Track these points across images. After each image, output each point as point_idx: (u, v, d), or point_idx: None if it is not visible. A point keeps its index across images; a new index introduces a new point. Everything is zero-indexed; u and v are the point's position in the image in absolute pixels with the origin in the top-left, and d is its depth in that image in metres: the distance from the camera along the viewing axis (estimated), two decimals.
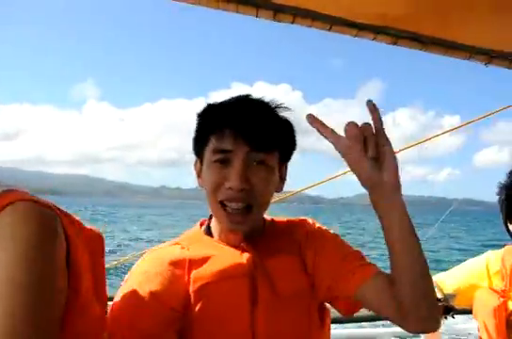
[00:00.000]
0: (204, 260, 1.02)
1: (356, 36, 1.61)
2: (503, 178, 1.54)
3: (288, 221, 1.18)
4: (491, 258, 1.60)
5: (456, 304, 1.57)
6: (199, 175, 1.09)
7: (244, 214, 1.00)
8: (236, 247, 1.06)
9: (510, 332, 1.45)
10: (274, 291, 1.03)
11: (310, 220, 1.18)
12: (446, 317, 1.54)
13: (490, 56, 1.66)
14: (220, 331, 0.98)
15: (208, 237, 1.11)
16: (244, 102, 1.04)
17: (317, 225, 1.17)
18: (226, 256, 1.04)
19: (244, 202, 0.99)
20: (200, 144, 1.05)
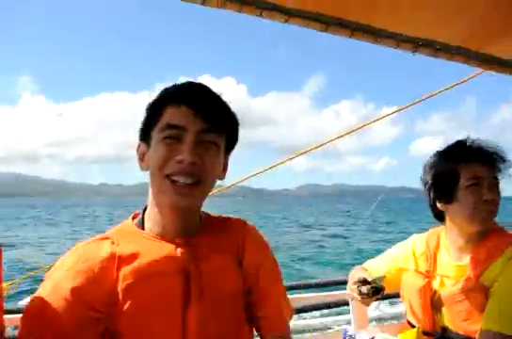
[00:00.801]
0: (135, 256, 0.97)
1: (286, 22, 1.58)
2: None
3: (225, 219, 1.17)
4: (417, 241, 1.65)
5: (387, 288, 1.61)
6: (142, 159, 1.06)
7: (192, 188, 0.99)
8: (171, 242, 1.02)
9: (435, 312, 1.50)
10: (208, 289, 1.00)
11: (249, 225, 1.17)
12: (378, 298, 1.57)
13: (417, 44, 1.70)
14: (150, 331, 0.94)
15: (141, 231, 1.05)
16: (199, 84, 1.06)
17: (257, 233, 1.17)
18: (159, 252, 0.99)
19: (193, 177, 0.98)
20: (149, 124, 1.04)
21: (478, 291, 1.38)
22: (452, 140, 1.55)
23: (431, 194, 1.52)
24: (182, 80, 1.09)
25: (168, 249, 1.01)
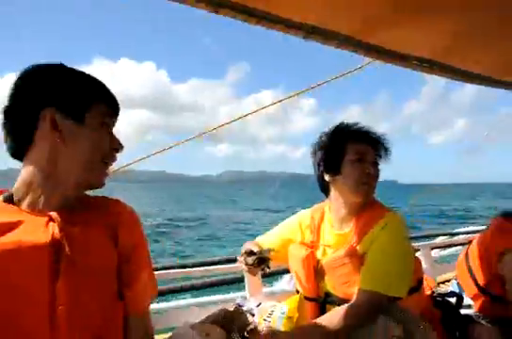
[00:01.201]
0: (3, 229, 0.96)
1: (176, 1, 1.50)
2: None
3: (103, 198, 1.18)
4: (303, 215, 1.77)
5: (275, 260, 1.73)
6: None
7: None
8: (42, 214, 1.01)
9: (318, 279, 1.61)
10: (79, 263, 0.99)
11: (126, 205, 1.18)
12: (263, 269, 1.66)
13: (308, 31, 1.71)
14: (17, 304, 0.94)
15: (10, 205, 1.02)
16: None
17: (134, 214, 1.17)
18: (29, 225, 0.98)
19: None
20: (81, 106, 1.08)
21: (356, 257, 1.50)
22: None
23: (320, 168, 1.63)
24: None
25: (39, 222, 1.00)
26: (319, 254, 1.64)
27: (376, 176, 1.59)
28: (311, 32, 1.71)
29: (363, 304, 1.38)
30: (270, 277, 2.59)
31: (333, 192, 1.63)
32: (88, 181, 1.10)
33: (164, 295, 2.07)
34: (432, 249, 3.07)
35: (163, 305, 2.08)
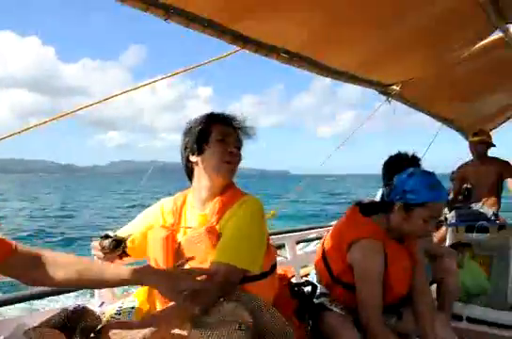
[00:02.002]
0: None
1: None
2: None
3: None
4: (165, 202, 1.75)
5: (135, 254, 1.68)
6: None
7: None
8: None
9: (178, 260, 1.55)
10: None
11: None
12: (120, 255, 1.61)
13: (169, 10, 1.63)
14: None
15: None
16: None
17: None
18: None
19: None
20: None
21: (214, 235, 1.51)
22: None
23: (187, 150, 1.66)
24: None
25: None
26: (180, 237, 1.60)
27: (238, 158, 1.64)
28: (172, 12, 1.63)
29: (217, 275, 1.38)
30: None
31: (197, 174, 1.66)
32: None
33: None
34: (298, 242, 3.22)
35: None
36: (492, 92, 3.92)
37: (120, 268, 1.31)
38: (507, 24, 2.71)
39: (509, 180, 3.99)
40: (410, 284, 1.95)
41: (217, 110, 1.68)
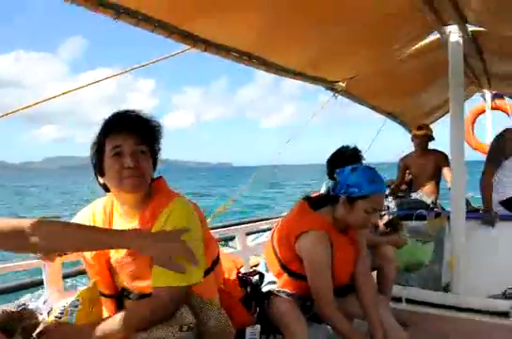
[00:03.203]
0: None
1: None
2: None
3: None
4: (96, 205, 1.63)
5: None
6: None
7: None
8: None
9: (113, 274, 1.53)
10: None
11: None
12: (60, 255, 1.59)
13: (119, 11, 1.64)
14: None
15: None
16: None
17: None
18: None
19: None
20: None
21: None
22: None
23: (95, 169, 1.49)
24: None
25: None
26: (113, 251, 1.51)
27: (142, 167, 1.43)
28: (121, 12, 1.65)
29: (164, 299, 1.32)
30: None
31: (112, 190, 1.50)
32: None
33: None
34: (248, 234, 3.30)
35: None
36: (431, 89, 4.17)
37: (98, 231, 1.29)
38: (444, 26, 2.92)
39: (445, 170, 4.27)
40: (354, 272, 2.10)
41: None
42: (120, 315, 1.30)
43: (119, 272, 1.50)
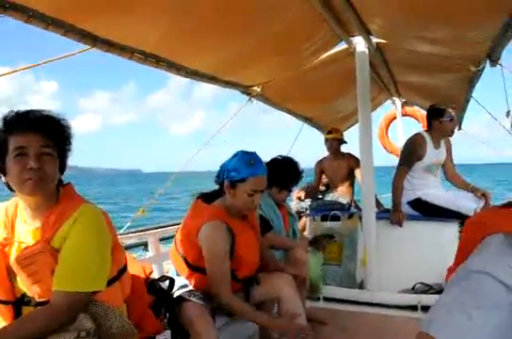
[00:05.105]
0: None
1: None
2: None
3: None
4: (1, 204, 1.55)
5: None
6: None
7: None
8: None
9: (13, 280, 1.43)
10: None
11: None
12: None
13: (5, 6, 1.53)
14: None
15: None
16: None
17: None
18: None
19: None
20: None
21: (48, 254, 1.38)
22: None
23: None
24: None
25: None
26: (14, 252, 1.45)
27: (47, 169, 1.38)
28: (7, 7, 1.53)
29: (62, 305, 1.31)
30: None
31: (16, 190, 1.44)
32: None
33: None
34: (161, 240, 3.23)
35: None
36: (343, 96, 4.37)
37: None
38: (350, 37, 3.07)
39: (357, 171, 4.50)
40: (260, 252, 2.18)
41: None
42: (14, 325, 1.28)
43: (18, 275, 1.41)
